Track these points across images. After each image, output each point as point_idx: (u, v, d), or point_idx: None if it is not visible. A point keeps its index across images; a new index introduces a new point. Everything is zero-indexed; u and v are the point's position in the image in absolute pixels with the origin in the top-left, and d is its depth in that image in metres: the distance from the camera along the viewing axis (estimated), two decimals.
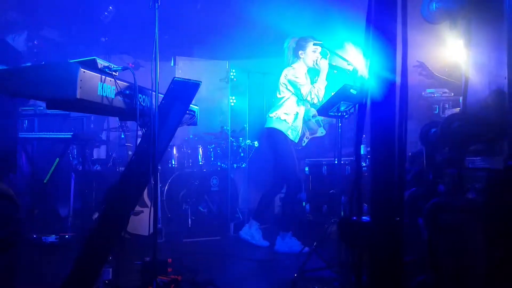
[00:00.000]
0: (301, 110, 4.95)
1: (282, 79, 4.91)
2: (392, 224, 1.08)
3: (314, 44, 4.74)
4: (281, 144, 4.87)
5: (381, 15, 1.14)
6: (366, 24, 1.17)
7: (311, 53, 4.90)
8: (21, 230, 2.88)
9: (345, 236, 1.17)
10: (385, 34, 1.13)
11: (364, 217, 1.11)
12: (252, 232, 4.90)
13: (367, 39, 1.17)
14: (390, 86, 1.14)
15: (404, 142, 1.13)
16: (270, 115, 4.95)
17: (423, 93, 5.10)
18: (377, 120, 1.13)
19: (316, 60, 4.83)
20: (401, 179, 1.14)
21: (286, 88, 4.87)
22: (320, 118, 5.41)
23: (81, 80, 2.27)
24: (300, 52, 4.93)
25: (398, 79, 1.16)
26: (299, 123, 4.99)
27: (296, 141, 5.04)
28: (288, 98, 4.88)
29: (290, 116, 4.86)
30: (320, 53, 4.90)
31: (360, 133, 1.16)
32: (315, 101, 4.73)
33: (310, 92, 4.73)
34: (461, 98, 2.56)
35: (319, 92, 4.74)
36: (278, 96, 4.96)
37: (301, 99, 4.84)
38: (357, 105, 4.08)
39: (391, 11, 1.14)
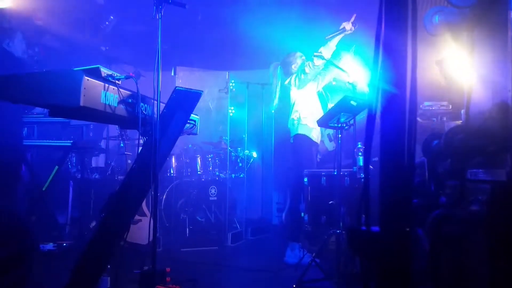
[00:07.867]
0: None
1: (294, 84, 5.00)
2: (401, 234, 1.08)
3: (314, 56, 4.74)
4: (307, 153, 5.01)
5: (390, 31, 1.16)
6: (375, 40, 1.18)
7: (300, 60, 5.09)
8: (33, 245, 2.81)
9: (355, 246, 1.17)
10: (395, 50, 1.15)
11: (373, 227, 1.11)
12: (297, 254, 4.76)
13: (376, 54, 1.18)
14: (399, 99, 1.15)
15: (412, 152, 1.14)
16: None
17: (421, 106, 5.11)
18: (386, 131, 1.14)
19: (308, 63, 4.87)
20: (409, 189, 1.14)
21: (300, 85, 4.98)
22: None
23: (84, 88, 2.27)
24: (293, 66, 5.11)
25: (407, 93, 1.17)
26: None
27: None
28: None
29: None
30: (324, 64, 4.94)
31: (369, 144, 1.17)
32: (308, 70, 4.83)
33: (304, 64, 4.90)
34: (462, 111, 2.57)
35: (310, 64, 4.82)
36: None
37: (305, 79, 4.93)
38: (360, 116, 4.11)
39: (401, 26, 1.16)
